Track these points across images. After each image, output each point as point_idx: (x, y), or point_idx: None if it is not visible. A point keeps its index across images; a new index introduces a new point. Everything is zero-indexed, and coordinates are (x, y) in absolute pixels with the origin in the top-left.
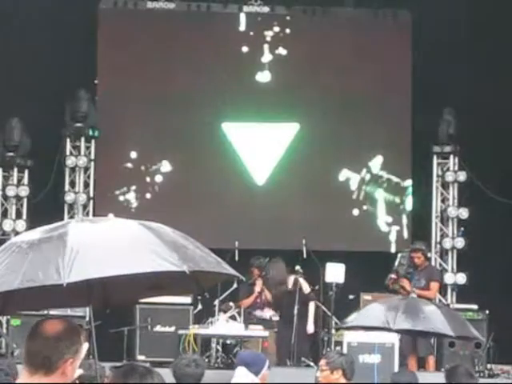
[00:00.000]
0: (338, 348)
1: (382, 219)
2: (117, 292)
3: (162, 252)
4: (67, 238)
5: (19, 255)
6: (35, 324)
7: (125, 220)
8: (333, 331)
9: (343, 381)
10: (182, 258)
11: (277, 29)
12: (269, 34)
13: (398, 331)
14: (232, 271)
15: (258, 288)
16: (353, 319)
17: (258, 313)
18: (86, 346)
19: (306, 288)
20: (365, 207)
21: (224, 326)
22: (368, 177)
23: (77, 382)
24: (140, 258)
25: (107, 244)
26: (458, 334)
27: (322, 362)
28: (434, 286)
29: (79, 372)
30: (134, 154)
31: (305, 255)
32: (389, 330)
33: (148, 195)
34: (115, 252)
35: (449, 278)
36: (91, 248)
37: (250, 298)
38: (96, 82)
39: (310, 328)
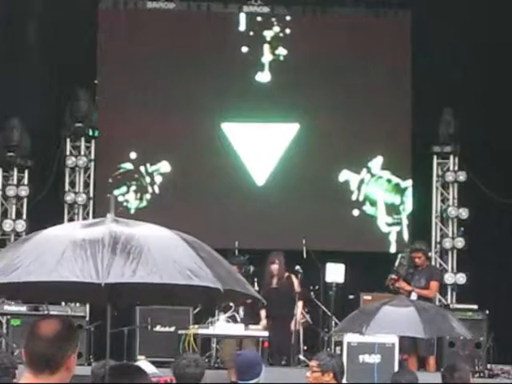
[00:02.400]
0: (337, 348)
1: (382, 219)
2: (131, 295)
3: (197, 267)
4: (105, 239)
5: (57, 247)
6: (32, 326)
7: (159, 227)
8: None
9: (333, 382)
10: (217, 276)
11: (277, 29)
12: (269, 34)
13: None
14: (255, 294)
15: None
16: (339, 326)
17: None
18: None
19: (297, 287)
20: (365, 207)
21: (224, 325)
22: (368, 177)
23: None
24: (176, 269)
25: (146, 250)
26: (433, 335)
27: (314, 363)
28: (434, 285)
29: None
30: (133, 154)
31: (305, 255)
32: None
33: (148, 195)
34: (153, 259)
35: (449, 278)
36: (130, 252)
37: None
38: (96, 82)
39: (293, 326)
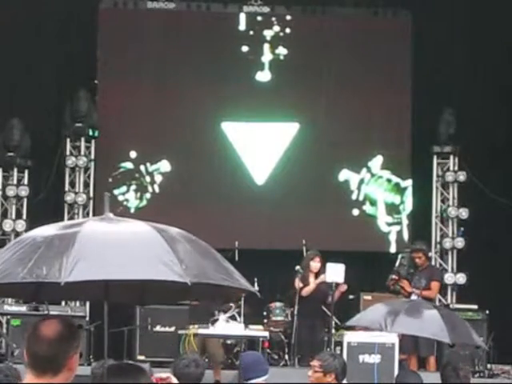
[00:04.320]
0: (337, 348)
1: (382, 219)
2: (130, 293)
3: (168, 260)
4: (77, 236)
5: (31, 248)
6: (34, 328)
7: (141, 223)
8: (333, 331)
9: (334, 383)
10: (189, 268)
11: (277, 28)
12: (269, 34)
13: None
14: (248, 286)
15: None
16: (355, 319)
17: None
18: None
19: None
20: (365, 207)
21: (224, 325)
22: (368, 177)
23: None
24: (144, 265)
25: (115, 247)
26: (456, 341)
27: (316, 363)
28: (435, 285)
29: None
30: (133, 154)
31: (305, 255)
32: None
33: (148, 195)
34: (121, 256)
35: (449, 278)
36: (99, 249)
37: None
38: (96, 81)
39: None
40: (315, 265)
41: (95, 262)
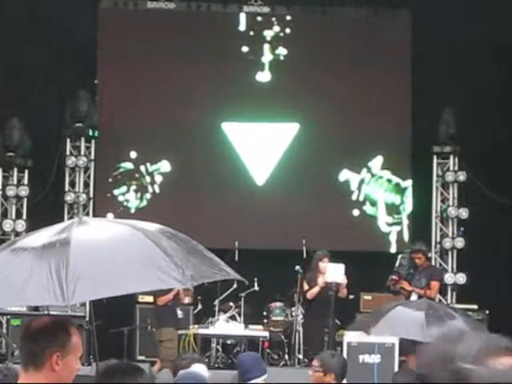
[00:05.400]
0: (337, 348)
1: (382, 219)
2: None
3: (165, 267)
4: (69, 249)
5: (23, 264)
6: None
7: (126, 226)
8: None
9: (334, 383)
10: (186, 271)
11: (277, 29)
12: (269, 34)
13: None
14: (235, 275)
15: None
16: (353, 326)
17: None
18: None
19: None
20: (365, 207)
21: (224, 326)
22: (368, 177)
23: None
24: (144, 276)
25: (110, 260)
26: (432, 339)
27: (316, 362)
28: (435, 285)
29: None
30: (133, 154)
31: (305, 255)
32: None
33: (148, 195)
34: (118, 270)
35: (449, 278)
36: (94, 265)
37: (169, 295)
38: (96, 81)
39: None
40: (324, 265)
41: (95, 280)
